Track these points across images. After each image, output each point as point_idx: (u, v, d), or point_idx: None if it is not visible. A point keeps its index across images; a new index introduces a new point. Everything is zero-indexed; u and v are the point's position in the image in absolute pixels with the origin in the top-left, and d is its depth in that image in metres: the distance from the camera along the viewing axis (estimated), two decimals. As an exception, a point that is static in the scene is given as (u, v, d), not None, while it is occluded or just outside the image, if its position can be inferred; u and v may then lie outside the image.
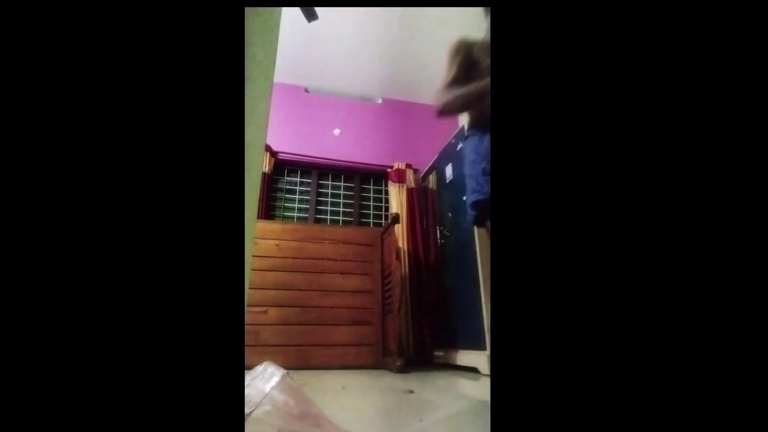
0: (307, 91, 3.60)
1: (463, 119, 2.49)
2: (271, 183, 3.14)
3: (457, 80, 1.20)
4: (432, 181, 3.13)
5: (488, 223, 1.20)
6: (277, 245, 2.43)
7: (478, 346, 2.05)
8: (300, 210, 3.29)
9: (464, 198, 2.36)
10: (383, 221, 3.42)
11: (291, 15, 2.30)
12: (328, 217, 3.36)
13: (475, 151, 1.20)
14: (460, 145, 2.57)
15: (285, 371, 0.67)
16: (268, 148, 3.05)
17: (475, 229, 2.21)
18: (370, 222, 3.45)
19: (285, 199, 3.28)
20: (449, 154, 2.77)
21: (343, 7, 2.70)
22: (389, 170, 3.43)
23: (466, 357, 2.21)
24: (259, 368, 0.68)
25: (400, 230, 3.07)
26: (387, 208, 3.48)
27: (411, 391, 1.45)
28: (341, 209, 3.42)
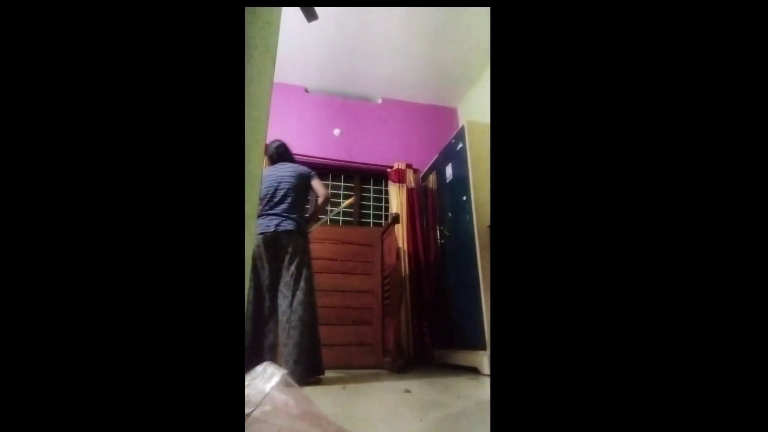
0: (307, 91, 3.60)
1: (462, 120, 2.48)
2: (271, 183, 3.13)
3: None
4: (432, 181, 3.13)
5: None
6: (277, 245, 2.42)
7: (478, 346, 2.05)
8: (300, 210, 3.29)
9: (464, 198, 2.37)
10: (383, 221, 3.41)
11: (291, 15, 2.30)
12: (328, 217, 3.36)
13: None
14: (459, 145, 2.57)
15: (285, 371, 0.68)
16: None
17: (475, 229, 2.21)
18: (370, 222, 3.45)
19: (285, 199, 3.27)
20: (449, 154, 2.77)
21: (342, 7, 2.70)
22: (389, 170, 3.43)
23: (466, 357, 2.21)
24: (259, 368, 0.68)
25: (400, 230, 3.06)
26: (387, 208, 3.47)
27: (409, 391, 1.45)
28: (341, 209, 3.42)
